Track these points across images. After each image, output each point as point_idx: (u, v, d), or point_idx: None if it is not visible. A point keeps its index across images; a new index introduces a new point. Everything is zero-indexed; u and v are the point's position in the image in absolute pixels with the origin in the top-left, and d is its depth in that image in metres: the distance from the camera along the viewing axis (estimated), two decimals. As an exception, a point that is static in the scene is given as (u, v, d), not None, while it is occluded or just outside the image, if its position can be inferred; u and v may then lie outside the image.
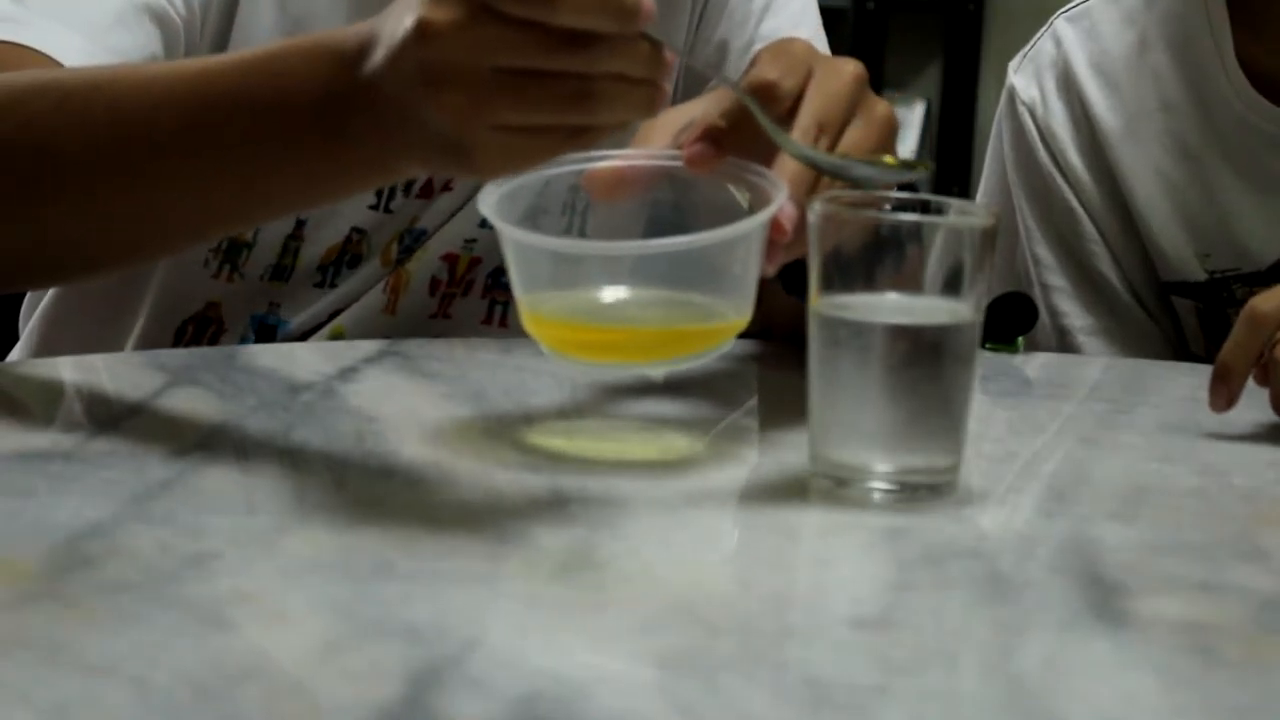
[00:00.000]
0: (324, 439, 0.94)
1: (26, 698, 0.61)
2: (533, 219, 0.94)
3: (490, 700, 0.63)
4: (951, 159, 4.19)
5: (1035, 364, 1.33)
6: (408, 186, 1.25)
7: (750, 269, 0.90)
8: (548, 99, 0.83)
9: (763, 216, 0.88)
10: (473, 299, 1.30)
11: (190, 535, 0.78)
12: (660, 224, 0.95)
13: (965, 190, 3.81)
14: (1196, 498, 0.94)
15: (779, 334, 1.19)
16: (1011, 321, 1.41)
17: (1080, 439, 1.06)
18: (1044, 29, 1.45)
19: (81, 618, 0.68)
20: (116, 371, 1.10)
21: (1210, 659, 0.71)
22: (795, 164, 0.91)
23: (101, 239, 1.00)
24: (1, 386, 1.05)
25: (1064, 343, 1.43)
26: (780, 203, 0.88)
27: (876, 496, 0.86)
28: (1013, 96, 1.44)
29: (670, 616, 0.72)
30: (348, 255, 1.26)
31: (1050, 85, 1.43)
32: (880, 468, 0.87)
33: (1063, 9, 1.45)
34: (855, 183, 0.91)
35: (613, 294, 0.92)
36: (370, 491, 0.87)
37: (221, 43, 1.19)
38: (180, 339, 1.26)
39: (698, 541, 0.84)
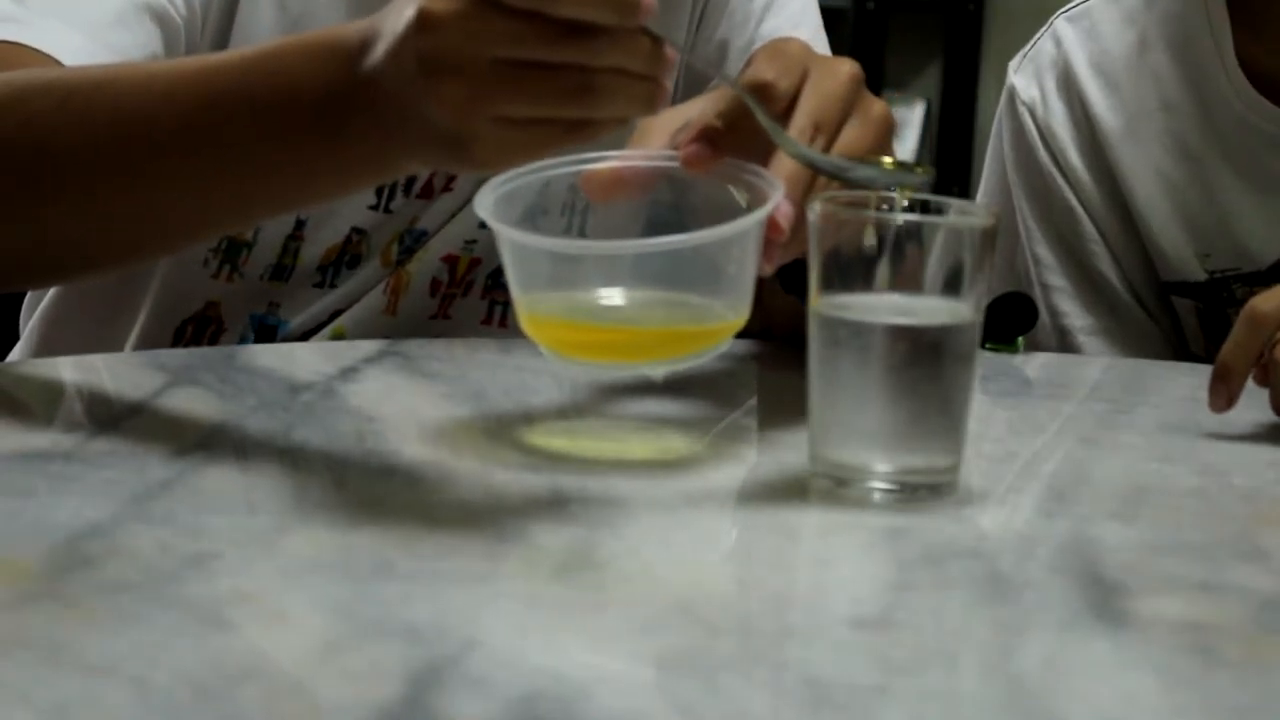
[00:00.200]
0: (324, 439, 0.94)
1: (26, 698, 0.61)
2: (532, 219, 0.94)
3: (490, 700, 0.63)
4: (951, 159, 4.19)
5: (1035, 364, 1.33)
6: (408, 187, 1.25)
7: (747, 268, 0.90)
8: (547, 91, 0.83)
9: (759, 215, 0.88)
10: (473, 299, 1.30)
11: (190, 535, 0.78)
12: (660, 224, 0.95)
13: (965, 190, 3.81)
14: (1196, 498, 0.94)
15: (779, 334, 1.19)
16: (1011, 321, 1.41)
17: (1080, 439, 1.06)
18: (1044, 29, 1.45)
19: (81, 618, 0.68)
20: (116, 371, 1.10)
21: (1210, 659, 0.71)
22: (792, 163, 0.91)
23: (101, 238, 1.00)
24: (1, 386, 1.05)
25: (1064, 343, 1.43)
26: (776, 201, 0.88)
27: (876, 496, 0.86)
28: (1013, 96, 1.44)
29: (670, 616, 0.72)
30: (348, 255, 1.26)
31: (1050, 85, 1.43)
32: (880, 468, 0.87)
33: (1063, 9, 1.45)
34: (855, 185, 0.91)
35: (610, 294, 0.92)
36: (370, 491, 0.87)
37: (222, 41, 1.19)
38: (180, 339, 1.26)
39: (698, 541, 0.84)
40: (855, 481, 0.87)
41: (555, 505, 0.86)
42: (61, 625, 0.68)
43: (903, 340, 0.86)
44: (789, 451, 0.93)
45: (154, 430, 0.93)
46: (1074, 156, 1.41)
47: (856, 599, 0.77)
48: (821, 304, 0.87)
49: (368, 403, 1.04)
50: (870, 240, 0.86)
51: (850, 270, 0.86)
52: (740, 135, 0.93)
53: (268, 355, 1.12)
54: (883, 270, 0.85)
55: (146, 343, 1.26)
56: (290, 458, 0.91)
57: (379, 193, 1.25)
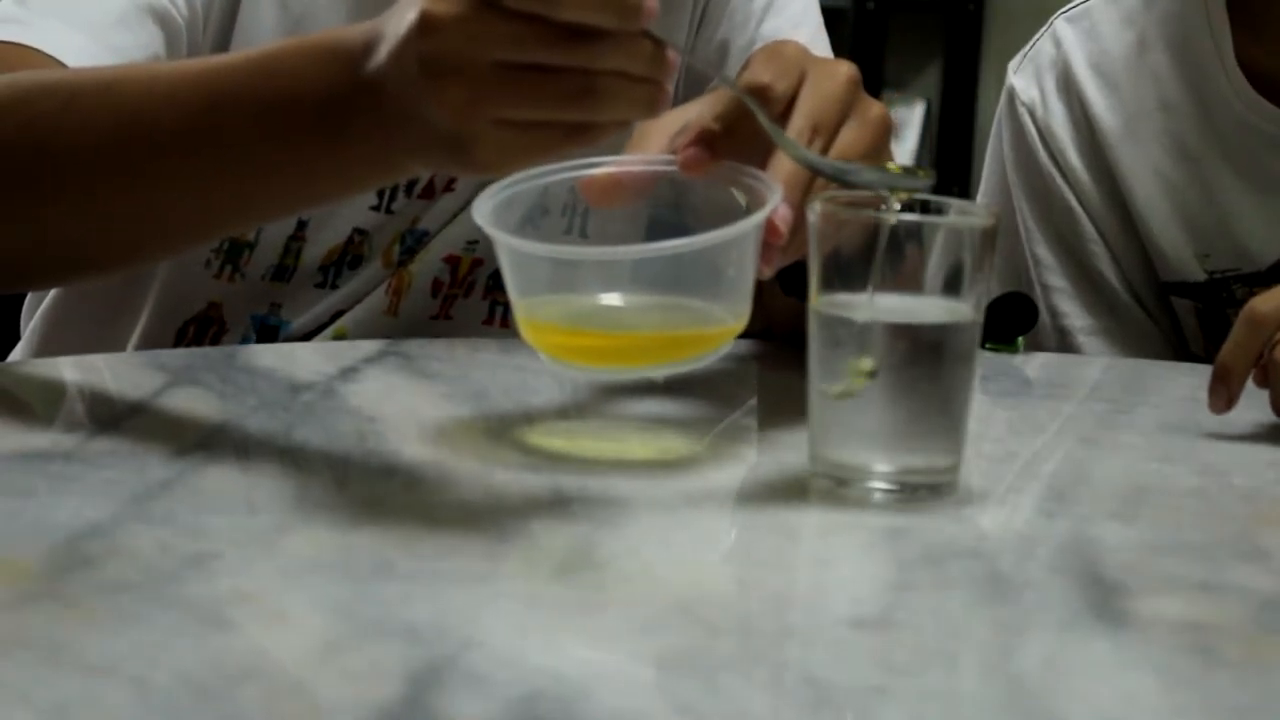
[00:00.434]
0: (324, 439, 0.94)
1: (26, 698, 0.61)
2: (532, 220, 0.94)
3: (490, 700, 0.63)
4: (951, 159, 4.19)
5: (1035, 364, 1.33)
6: (409, 187, 1.26)
7: (746, 271, 0.90)
8: (549, 94, 0.83)
9: (757, 218, 0.88)
10: (474, 300, 1.30)
11: (190, 535, 0.78)
12: (661, 225, 0.95)
13: (965, 190, 3.81)
14: (1196, 498, 0.94)
15: (779, 334, 1.19)
16: (1011, 321, 1.41)
17: (1080, 439, 1.06)
18: (1044, 29, 1.45)
19: (81, 618, 0.68)
20: (117, 371, 1.10)
21: (1210, 659, 0.71)
22: (790, 166, 0.91)
23: (102, 239, 1.00)
24: (2, 386, 1.05)
25: (1064, 343, 1.43)
26: (775, 204, 0.88)
27: (876, 496, 0.87)
28: (1012, 97, 1.44)
29: (670, 616, 0.72)
30: (349, 256, 1.26)
31: (1050, 85, 1.43)
32: (880, 468, 0.87)
33: (1062, 9, 1.45)
34: (856, 188, 0.91)
35: (609, 299, 0.92)
36: (371, 491, 0.87)
37: (223, 42, 1.19)
38: (181, 339, 1.26)
39: (698, 541, 0.84)
40: (855, 481, 0.87)
41: (555, 505, 0.86)
42: (61, 625, 0.68)
43: (903, 340, 0.86)
44: (789, 451, 0.93)
45: (154, 430, 0.93)
46: (1073, 157, 1.41)
47: (856, 599, 0.77)
48: (821, 304, 0.87)
49: (368, 403, 1.04)
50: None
51: (850, 270, 0.86)
52: (738, 138, 0.93)
53: (268, 355, 1.12)
54: (882, 270, 0.85)
55: (148, 343, 1.26)
56: (291, 458, 0.91)
57: (380, 193, 1.25)
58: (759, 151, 0.93)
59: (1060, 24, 1.44)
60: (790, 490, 0.89)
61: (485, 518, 0.83)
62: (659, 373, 0.97)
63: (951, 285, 0.86)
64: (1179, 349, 1.44)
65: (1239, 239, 1.38)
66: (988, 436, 1.02)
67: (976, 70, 4.24)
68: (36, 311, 1.32)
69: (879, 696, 0.66)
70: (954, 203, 0.89)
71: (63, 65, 1.06)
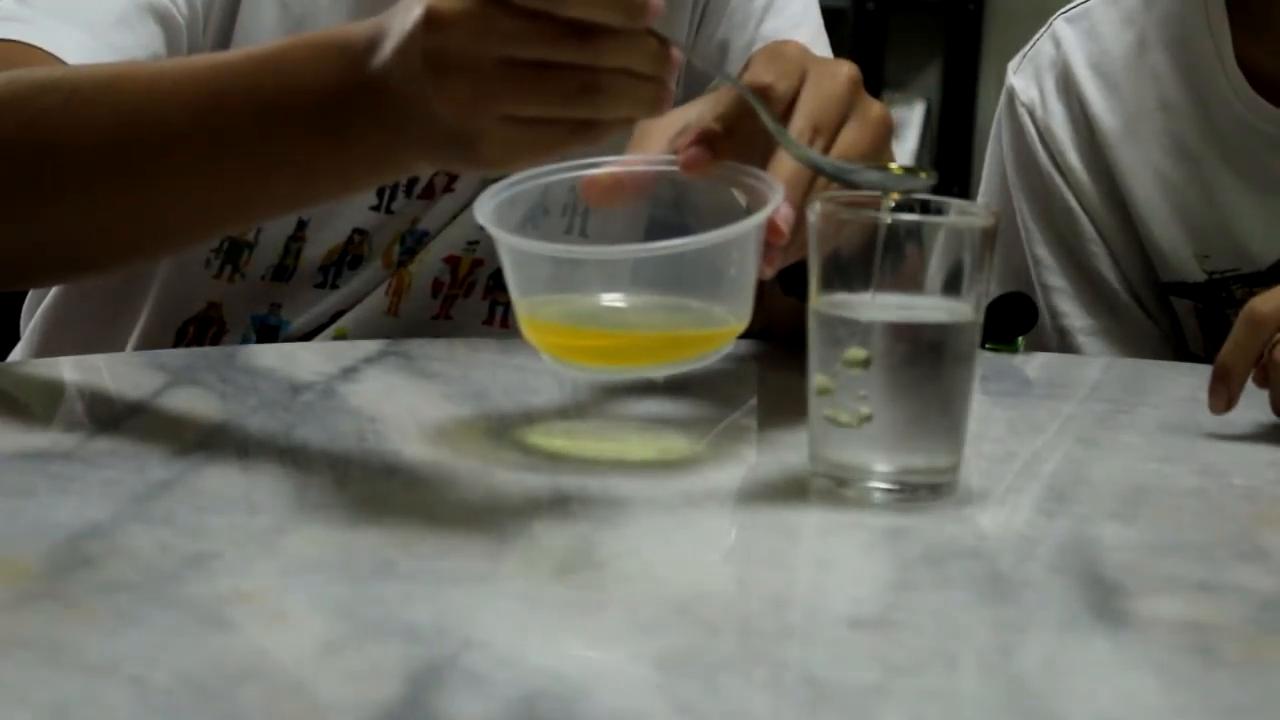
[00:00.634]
0: (324, 439, 0.94)
1: (26, 698, 0.61)
2: (533, 220, 0.94)
3: (490, 700, 0.63)
4: (951, 159, 4.19)
5: (1035, 364, 1.33)
6: (409, 187, 1.26)
7: (747, 272, 0.90)
8: (553, 91, 0.83)
9: (758, 218, 0.88)
10: (474, 300, 1.30)
11: (190, 535, 0.78)
12: (661, 225, 0.95)
13: (965, 190, 3.81)
14: (1196, 498, 0.94)
15: (779, 334, 1.19)
16: (1011, 321, 1.41)
17: (1080, 439, 1.06)
18: (1043, 29, 1.45)
19: (81, 618, 0.68)
20: (117, 371, 1.10)
21: (1210, 659, 0.71)
22: (791, 166, 0.91)
23: (103, 237, 1.00)
24: (2, 386, 1.05)
25: (1064, 343, 1.43)
26: (776, 204, 0.88)
27: (876, 496, 0.87)
28: (1012, 97, 1.44)
29: (670, 616, 0.72)
30: (349, 256, 1.26)
31: (1049, 86, 1.43)
32: (880, 468, 0.87)
33: (1062, 9, 1.45)
34: (858, 188, 0.91)
35: (610, 299, 0.92)
36: (371, 491, 0.87)
37: (224, 41, 1.19)
38: (181, 339, 1.26)
39: (698, 541, 0.84)
40: (855, 481, 0.87)
41: (555, 505, 0.86)
42: (61, 625, 0.68)
43: (903, 340, 0.86)
44: (789, 451, 0.93)
45: (154, 430, 0.93)
46: (1073, 157, 1.42)
47: (856, 599, 0.77)
48: (821, 304, 0.87)
49: (368, 403, 1.05)
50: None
51: (850, 270, 0.86)
52: (739, 138, 0.93)
53: (268, 355, 1.12)
54: (883, 270, 0.85)
55: (148, 343, 1.26)
56: (291, 457, 0.91)
57: (380, 193, 1.25)
58: (760, 152, 0.93)
59: (1060, 24, 1.44)
60: (790, 490, 0.89)
61: (485, 518, 0.83)
62: (660, 373, 0.97)
63: (951, 285, 0.86)
64: (1179, 349, 1.44)
65: (1239, 239, 1.38)
66: (988, 436, 1.02)
67: (976, 70, 4.24)
68: (37, 311, 1.32)
69: (879, 696, 0.66)
70: (954, 203, 0.89)
71: (63, 64, 1.06)
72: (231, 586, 0.73)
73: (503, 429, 0.99)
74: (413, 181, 1.25)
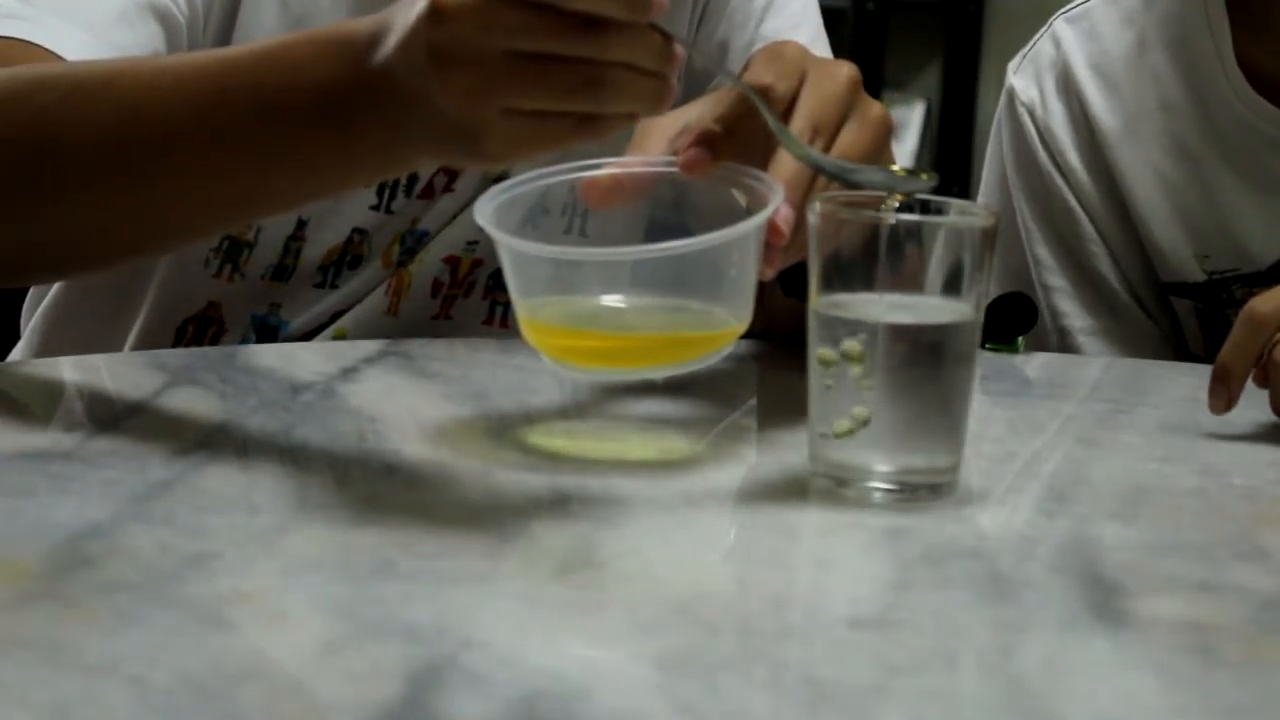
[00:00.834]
0: (325, 439, 0.94)
1: (26, 698, 0.61)
2: (533, 220, 0.94)
3: (490, 700, 0.63)
4: (951, 159, 4.19)
5: (1035, 364, 1.33)
6: (409, 187, 1.26)
7: (747, 273, 0.90)
8: (557, 85, 0.83)
9: (758, 219, 0.88)
10: (474, 300, 1.30)
11: (190, 535, 0.78)
12: (662, 225, 0.95)
13: (965, 190, 3.81)
14: (1196, 498, 0.94)
15: (779, 334, 1.19)
16: (1011, 321, 1.41)
17: (1080, 439, 1.06)
18: (1043, 30, 1.45)
19: (81, 618, 0.68)
20: (117, 371, 1.10)
21: (1210, 659, 0.71)
22: (791, 167, 0.91)
23: (104, 234, 1.00)
24: (2, 386, 1.05)
25: (1064, 343, 1.43)
26: (776, 205, 0.88)
27: (876, 496, 0.87)
28: (1012, 97, 1.44)
29: (670, 616, 0.72)
30: (349, 256, 1.26)
31: (1049, 86, 1.43)
32: (880, 468, 0.87)
33: (1062, 10, 1.45)
34: (859, 188, 0.91)
35: (610, 300, 0.92)
36: (371, 491, 0.87)
37: (224, 40, 1.19)
38: (181, 338, 1.26)
39: (698, 541, 0.84)
40: (855, 481, 0.87)
41: (555, 505, 0.86)
42: (61, 625, 0.68)
43: (903, 340, 0.86)
44: (789, 451, 0.93)
45: (154, 430, 0.93)
46: (1073, 157, 1.41)
47: (856, 599, 0.77)
48: (821, 304, 0.87)
49: (368, 403, 1.05)
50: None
51: (850, 270, 0.86)
52: (739, 139, 0.93)
53: (268, 355, 1.12)
54: (883, 270, 0.85)
55: (147, 342, 1.26)
56: (291, 457, 0.91)
57: (380, 193, 1.25)
58: (759, 152, 0.93)
59: (1060, 24, 1.44)
60: (790, 490, 0.89)
61: (485, 518, 0.83)
62: (660, 374, 0.97)
63: (951, 285, 0.86)
64: (1179, 349, 1.44)
65: (1239, 239, 1.38)
66: (988, 436, 1.02)
67: (976, 70, 4.24)
68: (37, 310, 1.32)
69: (879, 696, 0.66)
70: (954, 203, 0.89)
71: (64, 62, 1.06)
72: (231, 586, 0.73)
73: (503, 429, 0.99)
74: (412, 181, 1.25)
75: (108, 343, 1.27)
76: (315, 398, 1.03)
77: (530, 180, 0.92)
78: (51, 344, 1.30)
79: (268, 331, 1.26)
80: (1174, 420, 1.10)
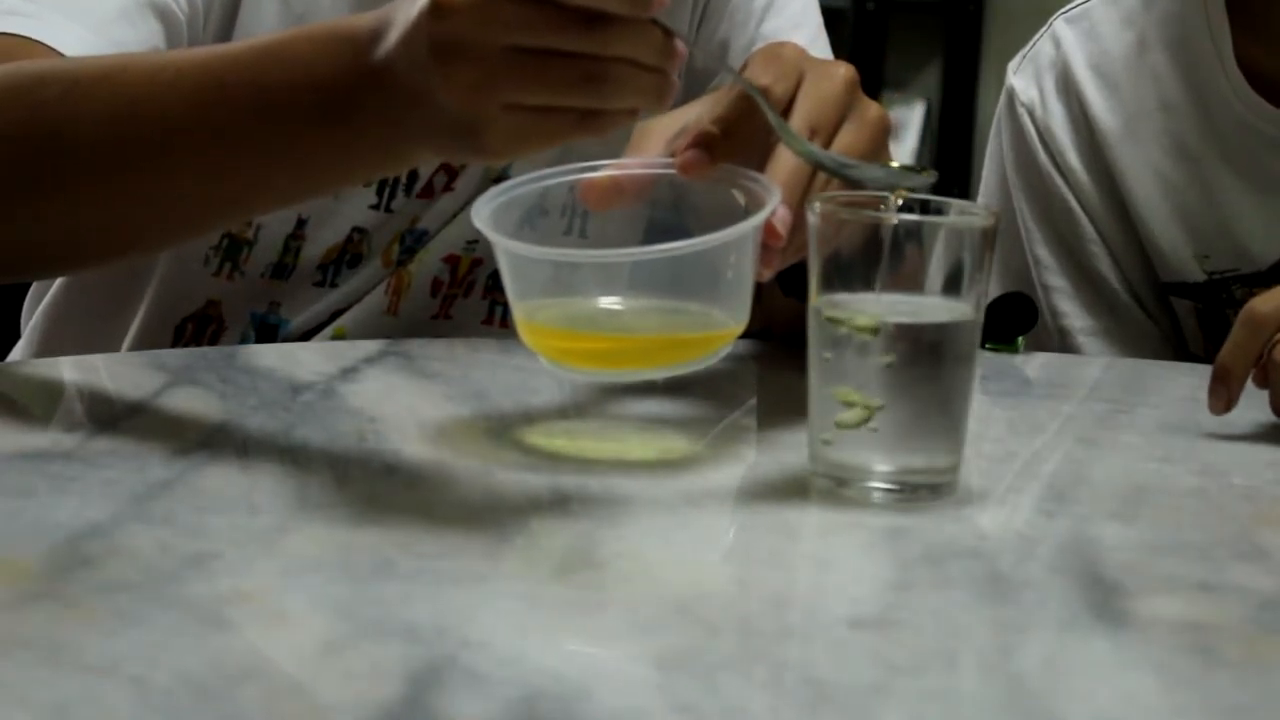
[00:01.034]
0: (325, 439, 0.94)
1: (26, 698, 0.61)
2: (531, 221, 0.94)
3: (490, 700, 0.63)
4: (951, 159, 4.19)
5: (1035, 364, 1.33)
6: (409, 186, 1.26)
7: (744, 274, 0.90)
8: (558, 79, 0.83)
9: (756, 220, 0.88)
10: (474, 300, 1.30)
11: (190, 535, 0.78)
12: (660, 226, 0.95)
13: (965, 190, 3.81)
14: (1196, 498, 0.94)
15: (779, 334, 1.19)
16: (1011, 321, 1.41)
17: (1080, 439, 1.06)
18: (1043, 30, 1.45)
19: (81, 618, 0.68)
20: (116, 371, 1.10)
21: (1210, 659, 0.71)
22: (789, 168, 0.91)
23: (102, 229, 1.00)
24: (2, 387, 1.05)
25: (1064, 343, 1.43)
26: (774, 206, 0.88)
27: (876, 496, 0.87)
28: (1012, 97, 1.44)
29: (670, 616, 0.72)
30: (348, 255, 1.26)
31: (1049, 86, 1.43)
32: (880, 468, 0.87)
33: (1062, 10, 1.45)
34: (859, 185, 0.92)
35: (608, 302, 0.92)
36: (371, 491, 0.87)
37: (224, 38, 1.19)
38: (180, 337, 1.26)
39: (698, 541, 0.84)
40: (855, 481, 0.87)
41: (555, 505, 0.86)
42: (61, 625, 0.68)
43: (903, 340, 0.86)
44: (789, 451, 0.93)
45: (154, 430, 0.93)
46: (1073, 157, 1.42)
47: (856, 599, 0.77)
48: (821, 304, 0.87)
49: (368, 403, 1.04)
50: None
51: (850, 270, 0.86)
52: (737, 140, 0.93)
53: (268, 355, 1.12)
54: (883, 270, 0.85)
55: (146, 340, 1.26)
56: (291, 457, 0.91)
57: (380, 192, 1.25)
58: (758, 154, 0.93)
59: (1060, 24, 1.44)
60: (790, 490, 0.89)
61: (485, 518, 0.83)
62: (658, 375, 0.97)
63: (951, 285, 0.86)
64: (1179, 349, 1.44)
65: (1239, 239, 1.38)
66: (988, 436, 1.02)
67: (976, 70, 4.24)
68: (37, 309, 1.32)
69: (879, 696, 0.66)
70: (954, 203, 0.89)
71: (64, 58, 1.06)
72: (231, 586, 0.73)
73: (503, 429, 0.99)
74: (412, 180, 1.25)
75: (108, 340, 1.27)
76: (315, 398, 1.03)
77: (528, 182, 0.92)
78: (51, 342, 1.30)
79: (267, 330, 1.26)
80: (1174, 420, 1.10)
